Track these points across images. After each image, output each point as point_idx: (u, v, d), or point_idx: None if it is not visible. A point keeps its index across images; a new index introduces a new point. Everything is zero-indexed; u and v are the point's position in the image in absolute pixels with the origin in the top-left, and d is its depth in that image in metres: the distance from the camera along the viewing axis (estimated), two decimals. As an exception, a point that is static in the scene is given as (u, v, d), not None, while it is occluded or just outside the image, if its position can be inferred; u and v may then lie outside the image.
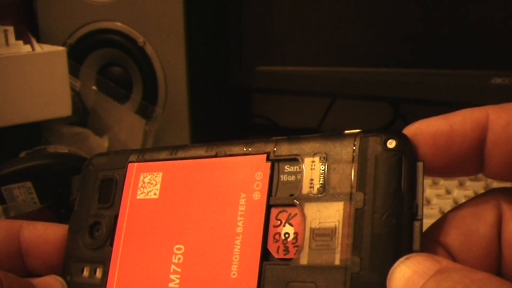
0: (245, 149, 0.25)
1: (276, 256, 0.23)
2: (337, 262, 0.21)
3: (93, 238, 0.28)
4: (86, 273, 0.27)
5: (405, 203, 0.21)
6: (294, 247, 0.23)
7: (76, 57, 0.73)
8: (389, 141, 0.22)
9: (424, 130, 0.21)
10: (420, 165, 0.22)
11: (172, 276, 0.25)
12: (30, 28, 0.68)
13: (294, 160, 0.24)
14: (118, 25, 0.72)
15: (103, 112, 0.73)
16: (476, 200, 0.22)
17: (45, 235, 0.28)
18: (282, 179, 0.24)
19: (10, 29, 0.66)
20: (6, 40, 0.64)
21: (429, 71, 0.71)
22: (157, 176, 0.27)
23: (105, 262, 0.27)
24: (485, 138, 0.20)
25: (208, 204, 0.25)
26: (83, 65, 0.73)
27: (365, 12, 0.72)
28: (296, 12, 0.74)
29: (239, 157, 0.25)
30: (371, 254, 0.21)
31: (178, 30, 0.70)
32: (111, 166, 0.28)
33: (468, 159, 0.21)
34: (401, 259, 0.20)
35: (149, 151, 0.28)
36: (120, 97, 0.73)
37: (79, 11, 0.73)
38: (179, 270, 0.25)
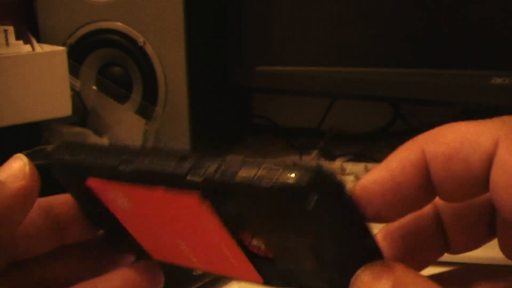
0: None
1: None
2: None
3: None
4: None
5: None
6: None
7: (76, 57, 0.73)
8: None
9: (370, 190, 0.21)
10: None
11: (190, 255, 0.25)
12: (30, 28, 0.68)
13: None
14: (118, 25, 0.72)
15: (103, 112, 0.73)
16: None
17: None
18: None
19: (10, 29, 0.66)
20: (6, 40, 0.64)
21: (429, 71, 0.71)
22: (123, 198, 0.25)
23: None
24: (429, 176, 0.20)
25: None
26: (83, 65, 0.73)
27: (365, 12, 0.72)
28: (296, 12, 0.74)
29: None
30: None
31: (178, 30, 0.70)
32: (71, 182, 0.27)
33: (421, 197, 0.21)
34: (361, 268, 0.20)
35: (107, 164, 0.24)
36: (120, 97, 0.73)
37: (79, 11, 0.73)
38: (191, 251, 0.25)
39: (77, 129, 0.71)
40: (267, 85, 0.78)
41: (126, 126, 0.72)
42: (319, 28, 0.74)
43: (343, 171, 0.68)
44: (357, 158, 0.79)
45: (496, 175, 0.19)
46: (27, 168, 0.25)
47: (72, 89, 0.69)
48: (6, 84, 0.61)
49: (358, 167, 0.68)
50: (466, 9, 0.68)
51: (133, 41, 0.72)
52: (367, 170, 0.68)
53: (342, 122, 0.91)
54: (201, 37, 0.75)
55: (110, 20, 0.72)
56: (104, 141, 0.71)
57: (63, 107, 0.66)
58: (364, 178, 0.21)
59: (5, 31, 0.65)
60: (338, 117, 0.90)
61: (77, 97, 0.72)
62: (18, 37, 0.65)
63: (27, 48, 0.64)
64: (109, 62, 0.74)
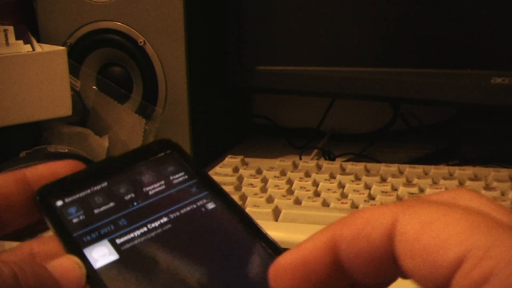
0: None
1: None
2: None
3: None
4: None
5: None
6: None
7: (76, 57, 0.73)
8: None
9: (281, 271, 0.22)
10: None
11: None
12: (30, 28, 0.68)
13: None
14: (118, 25, 0.72)
15: (103, 112, 0.73)
16: None
17: (53, 173, 0.28)
18: None
19: (10, 29, 0.66)
20: (6, 40, 0.64)
21: (429, 71, 0.71)
22: None
23: None
24: (339, 257, 0.22)
25: None
26: (83, 65, 0.73)
27: (365, 12, 0.72)
28: (296, 12, 0.74)
29: None
30: None
31: (178, 30, 0.70)
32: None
33: (332, 278, 0.22)
34: None
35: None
36: (120, 97, 0.73)
37: (79, 11, 0.73)
38: None
39: (77, 129, 0.71)
40: (267, 85, 0.78)
41: (126, 126, 0.72)
42: (319, 28, 0.74)
43: (343, 171, 0.68)
44: (357, 158, 0.79)
45: (399, 248, 0.20)
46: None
47: (72, 89, 0.69)
48: (6, 84, 0.61)
49: (358, 167, 0.68)
50: (466, 9, 0.68)
51: (133, 41, 0.72)
52: (367, 170, 0.68)
53: (342, 122, 0.91)
54: (201, 37, 0.75)
55: (110, 20, 0.72)
56: (104, 141, 0.71)
57: (63, 107, 0.66)
58: (278, 259, 0.22)
59: (5, 31, 0.65)
60: (338, 117, 0.90)
61: (77, 97, 0.72)
62: (18, 37, 0.65)
63: (27, 48, 0.64)
64: (109, 62, 0.74)
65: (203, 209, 0.28)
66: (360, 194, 0.60)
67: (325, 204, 0.59)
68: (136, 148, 0.31)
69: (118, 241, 0.27)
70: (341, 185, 0.63)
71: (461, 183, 0.62)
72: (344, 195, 0.61)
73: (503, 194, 0.59)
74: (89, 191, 0.28)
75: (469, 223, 0.19)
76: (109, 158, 0.30)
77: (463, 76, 0.69)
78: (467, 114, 0.77)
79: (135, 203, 0.28)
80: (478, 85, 0.68)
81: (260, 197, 0.60)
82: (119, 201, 0.28)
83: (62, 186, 0.28)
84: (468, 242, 0.19)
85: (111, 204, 0.28)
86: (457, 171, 0.65)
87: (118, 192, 0.28)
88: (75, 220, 0.27)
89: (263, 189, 0.63)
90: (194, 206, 0.28)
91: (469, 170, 0.65)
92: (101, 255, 0.26)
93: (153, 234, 0.27)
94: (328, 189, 0.62)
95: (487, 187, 0.61)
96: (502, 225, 0.19)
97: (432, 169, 0.66)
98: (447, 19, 0.69)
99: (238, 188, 0.64)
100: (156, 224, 0.27)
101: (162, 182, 0.29)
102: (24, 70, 0.62)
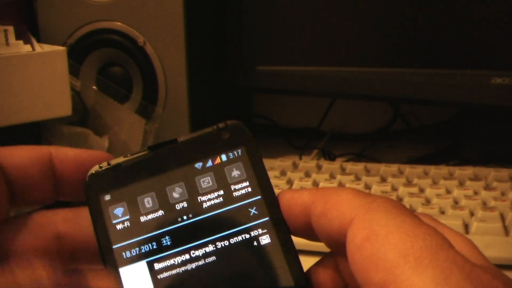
0: None
1: None
2: None
3: None
4: None
5: None
6: None
7: (76, 57, 0.73)
8: None
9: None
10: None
11: None
12: (30, 28, 0.68)
13: None
14: (118, 25, 0.72)
15: (103, 112, 0.73)
16: None
17: (79, 159, 0.27)
18: None
19: (10, 29, 0.66)
20: (6, 40, 0.64)
21: (429, 71, 0.71)
22: None
23: None
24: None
25: None
26: (83, 65, 0.73)
27: (365, 12, 0.72)
28: (296, 12, 0.74)
29: None
30: None
31: (178, 30, 0.70)
32: None
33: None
34: None
35: None
36: (120, 97, 0.73)
37: (79, 11, 0.73)
38: None
39: (77, 129, 0.71)
40: (267, 85, 0.78)
41: (126, 126, 0.72)
42: (319, 28, 0.74)
43: (343, 171, 0.68)
44: (357, 158, 0.79)
45: (348, 246, 0.22)
46: None
47: (72, 89, 0.69)
48: (6, 84, 0.61)
49: (358, 167, 0.68)
50: (466, 9, 0.68)
51: (133, 41, 0.72)
52: (367, 170, 0.68)
53: (342, 122, 0.91)
54: (201, 37, 0.75)
55: (110, 20, 0.72)
56: (104, 141, 0.71)
57: (63, 107, 0.66)
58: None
59: (5, 31, 0.65)
60: (338, 117, 0.90)
61: (77, 97, 0.72)
62: (18, 37, 0.65)
63: (27, 48, 0.64)
64: (109, 62, 0.74)
65: (255, 243, 0.25)
66: (360, 194, 0.60)
67: (325, 204, 0.59)
68: (203, 133, 0.27)
69: (156, 266, 0.24)
70: (341, 185, 0.63)
71: (461, 183, 0.62)
72: (344, 195, 0.61)
73: (503, 194, 0.59)
74: (141, 185, 0.26)
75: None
76: (169, 142, 0.27)
77: (463, 76, 0.69)
78: (467, 114, 0.77)
79: (184, 217, 0.25)
80: (478, 85, 0.68)
81: (260, 197, 0.60)
82: (168, 210, 0.25)
83: (114, 172, 0.26)
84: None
85: (160, 213, 0.25)
86: (457, 171, 0.65)
87: (170, 196, 0.26)
88: (119, 227, 0.25)
89: (263, 189, 0.63)
90: (247, 236, 0.25)
91: (469, 170, 0.65)
92: (136, 280, 0.24)
93: (193, 265, 0.24)
94: (328, 189, 0.62)
95: (487, 187, 0.61)
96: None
97: (432, 169, 0.66)
98: (447, 19, 0.69)
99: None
100: (200, 253, 0.25)
101: (222, 192, 0.26)
102: (24, 70, 0.62)
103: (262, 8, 0.75)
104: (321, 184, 0.63)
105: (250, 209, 0.25)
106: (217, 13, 0.77)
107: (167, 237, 0.25)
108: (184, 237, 0.25)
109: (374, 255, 0.21)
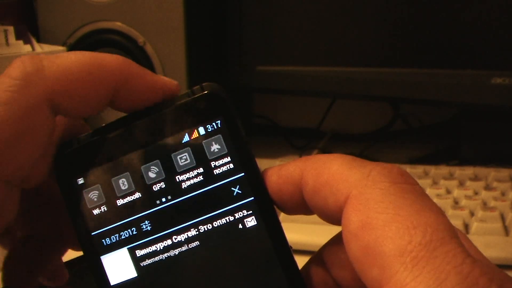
0: None
1: None
2: None
3: None
4: None
5: None
6: None
7: (76, 57, 0.73)
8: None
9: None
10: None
11: None
12: (30, 28, 0.68)
13: None
14: (118, 25, 0.72)
15: (103, 112, 0.73)
16: None
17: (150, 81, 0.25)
18: None
19: (10, 29, 0.66)
20: (6, 40, 0.64)
21: (429, 71, 0.71)
22: None
23: None
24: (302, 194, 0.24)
25: None
26: (83, 65, 0.73)
27: (365, 12, 0.72)
28: (296, 12, 0.74)
29: None
30: None
31: (178, 30, 0.70)
32: None
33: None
34: None
35: None
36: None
37: (79, 11, 0.73)
38: None
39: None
40: (267, 85, 0.78)
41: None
42: (319, 28, 0.74)
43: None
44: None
45: (343, 232, 0.21)
46: None
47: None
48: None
49: (358, 167, 0.68)
50: (466, 9, 0.68)
51: (133, 41, 0.72)
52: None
53: (342, 122, 0.91)
54: (201, 37, 0.75)
55: (110, 20, 0.72)
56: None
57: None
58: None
59: (5, 31, 0.65)
60: (338, 117, 0.90)
61: (77, 97, 0.72)
62: (18, 37, 0.65)
63: (27, 48, 0.64)
64: (109, 62, 0.74)
65: (240, 226, 0.23)
66: (360, 194, 0.60)
67: (325, 204, 0.59)
68: (177, 103, 0.24)
69: (138, 252, 0.23)
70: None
71: (461, 183, 0.62)
72: (344, 195, 0.61)
73: (503, 194, 0.59)
74: (115, 165, 0.24)
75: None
76: (141, 113, 0.24)
77: (463, 76, 0.69)
78: (467, 114, 0.77)
79: (163, 199, 0.23)
80: (478, 85, 0.68)
81: (260, 197, 0.60)
82: (146, 191, 0.23)
83: (86, 151, 0.24)
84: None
85: (137, 196, 0.23)
86: (457, 171, 0.65)
87: (146, 176, 0.23)
88: (95, 212, 0.23)
89: (263, 189, 0.63)
90: (231, 218, 0.23)
91: (469, 170, 0.65)
92: (119, 268, 0.23)
93: (176, 251, 0.23)
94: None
95: (487, 187, 0.61)
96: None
97: (432, 169, 0.66)
98: (447, 19, 0.69)
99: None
100: (182, 238, 0.23)
101: (201, 170, 0.23)
102: (24, 70, 0.62)
103: (262, 8, 0.75)
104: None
105: (233, 188, 0.23)
106: (217, 13, 0.77)
107: (146, 222, 0.23)
108: (164, 221, 0.23)
109: (370, 247, 0.19)
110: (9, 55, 0.62)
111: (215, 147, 0.23)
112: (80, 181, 0.24)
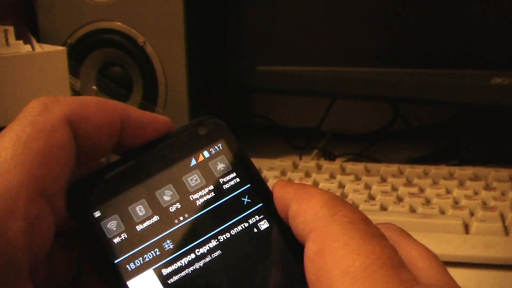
0: None
1: None
2: None
3: None
4: None
5: None
6: None
7: (76, 57, 0.73)
8: None
9: None
10: None
11: None
12: (30, 28, 0.68)
13: None
14: (118, 25, 0.72)
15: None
16: None
17: (143, 121, 0.26)
18: None
19: (10, 29, 0.66)
20: (6, 40, 0.64)
21: (429, 71, 0.71)
22: None
23: None
24: None
25: None
26: (83, 65, 0.73)
27: (365, 12, 0.72)
28: (296, 12, 0.74)
29: None
30: None
31: (178, 30, 0.70)
32: None
33: None
34: None
35: None
36: (120, 97, 0.73)
37: (79, 11, 0.73)
38: None
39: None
40: (267, 85, 0.78)
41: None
42: (319, 28, 0.74)
43: (343, 171, 0.68)
44: (357, 158, 0.79)
45: (304, 253, 0.23)
46: None
47: (72, 89, 0.69)
48: (6, 84, 0.61)
49: (358, 167, 0.68)
50: (466, 9, 0.68)
51: (133, 41, 0.72)
52: (367, 170, 0.68)
53: (342, 122, 0.91)
54: (201, 37, 0.75)
55: (110, 20, 0.72)
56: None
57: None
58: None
59: (5, 31, 0.65)
60: (338, 117, 0.90)
61: (77, 97, 0.72)
62: (18, 37, 0.65)
63: (27, 48, 0.64)
64: (109, 62, 0.74)
65: (255, 230, 0.25)
66: (360, 194, 0.60)
67: (325, 204, 0.59)
68: (180, 133, 0.26)
69: (164, 271, 0.24)
70: (341, 185, 0.63)
71: (461, 183, 0.62)
72: (344, 195, 0.61)
73: (503, 194, 0.59)
74: (129, 195, 0.25)
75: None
76: (147, 146, 0.26)
77: (463, 76, 0.69)
78: (467, 114, 0.77)
79: (181, 218, 0.25)
80: (478, 85, 0.68)
81: (260, 197, 0.60)
82: (163, 214, 0.25)
83: (99, 185, 0.25)
84: None
85: (155, 219, 0.25)
86: (457, 171, 0.65)
87: (162, 200, 0.25)
88: (116, 241, 0.24)
89: (263, 189, 0.63)
90: (246, 225, 0.25)
91: (469, 170, 0.65)
92: None
93: (201, 263, 0.24)
94: (328, 189, 0.61)
95: (487, 187, 0.61)
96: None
97: (432, 169, 0.66)
98: (447, 19, 0.69)
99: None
100: (205, 250, 0.25)
101: (211, 187, 0.26)
102: (24, 70, 0.62)
103: (262, 8, 0.75)
104: (321, 185, 0.63)
105: (243, 199, 0.26)
106: (217, 13, 0.77)
107: (168, 241, 0.25)
108: (185, 237, 0.25)
109: (320, 270, 0.22)
110: (9, 55, 0.62)
111: (220, 166, 0.26)
112: (97, 214, 0.25)
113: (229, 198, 0.26)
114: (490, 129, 0.75)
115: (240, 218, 0.25)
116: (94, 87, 0.73)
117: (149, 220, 0.25)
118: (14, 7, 0.76)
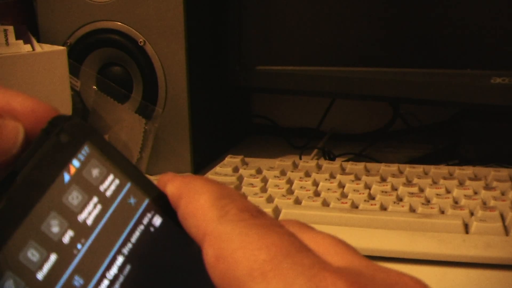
0: None
1: None
2: None
3: None
4: None
5: None
6: None
7: (76, 57, 0.73)
8: None
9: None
10: None
11: None
12: (30, 28, 0.68)
13: None
14: (118, 25, 0.72)
15: (103, 112, 0.73)
16: None
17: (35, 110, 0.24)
18: None
19: (10, 29, 0.66)
20: (6, 40, 0.64)
21: (429, 71, 0.71)
22: None
23: None
24: None
25: None
26: (83, 65, 0.73)
27: (365, 12, 0.72)
28: (296, 12, 0.74)
29: None
30: None
31: (178, 30, 0.70)
32: None
33: None
34: None
35: None
36: (120, 97, 0.73)
37: (79, 11, 0.73)
38: None
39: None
40: (267, 85, 0.78)
41: (126, 126, 0.72)
42: (319, 28, 0.74)
43: (343, 171, 0.68)
44: (357, 158, 0.79)
45: (204, 260, 0.22)
46: None
47: (72, 89, 0.69)
48: (6, 84, 0.61)
49: (358, 167, 0.68)
50: (466, 9, 0.68)
51: (133, 41, 0.72)
52: (367, 170, 0.68)
53: (342, 122, 0.91)
54: (201, 37, 0.75)
55: (110, 20, 0.72)
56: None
57: (63, 107, 0.66)
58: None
59: (5, 31, 0.65)
60: (338, 117, 0.90)
61: (77, 97, 0.72)
62: (18, 37, 0.65)
63: (27, 48, 0.64)
64: (109, 62, 0.74)
65: (152, 229, 0.24)
66: (360, 194, 0.60)
67: (325, 204, 0.59)
68: (38, 145, 0.22)
69: None
70: (341, 185, 0.63)
71: (461, 183, 0.62)
72: (344, 195, 0.61)
73: (503, 194, 0.59)
74: (14, 243, 0.20)
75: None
76: (8, 180, 0.21)
77: (463, 76, 0.69)
78: (467, 114, 0.77)
79: (78, 246, 0.21)
80: (478, 85, 0.68)
81: (260, 197, 0.60)
82: (58, 249, 0.21)
83: None
84: None
85: (53, 258, 0.21)
86: (457, 171, 0.65)
87: (51, 234, 0.21)
88: None
89: (263, 189, 0.63)
90: (142, 227, 0.23)
91: (469, 170, 0.65)
92: None
93: (117, 285, 0.22)
94: (328, 189, 0.62)
95: (487, 187, 0.61)
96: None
97: (432, 169, 0.66)
98: (447, 19, 0.69)
99: (238, 188, 0.64)
100: (115, 271, 0.22)
101: (95, 199, 0.23)
102: (24, 70, 0.62)
103: (262, 8, 0.75)
104: (321, 184, 0.63)
105: (129, 200, 0.23)
106: (217, 13, 0.77)
107: (76, 277, 0.21)
108: (91, 265, 0.21)
109: (226, 274, 0.21)
110: (9, 55, 0.62)
111: (95, 172, 0.23)
112: None
113: (116, 204, 0.23)
114: (490, 129, 0.75)
115: (135, 221, 0.23)
116: (94, 87, 0.73)
117: (47, 262, 0.20)
118: (14, 6, 0.76)
